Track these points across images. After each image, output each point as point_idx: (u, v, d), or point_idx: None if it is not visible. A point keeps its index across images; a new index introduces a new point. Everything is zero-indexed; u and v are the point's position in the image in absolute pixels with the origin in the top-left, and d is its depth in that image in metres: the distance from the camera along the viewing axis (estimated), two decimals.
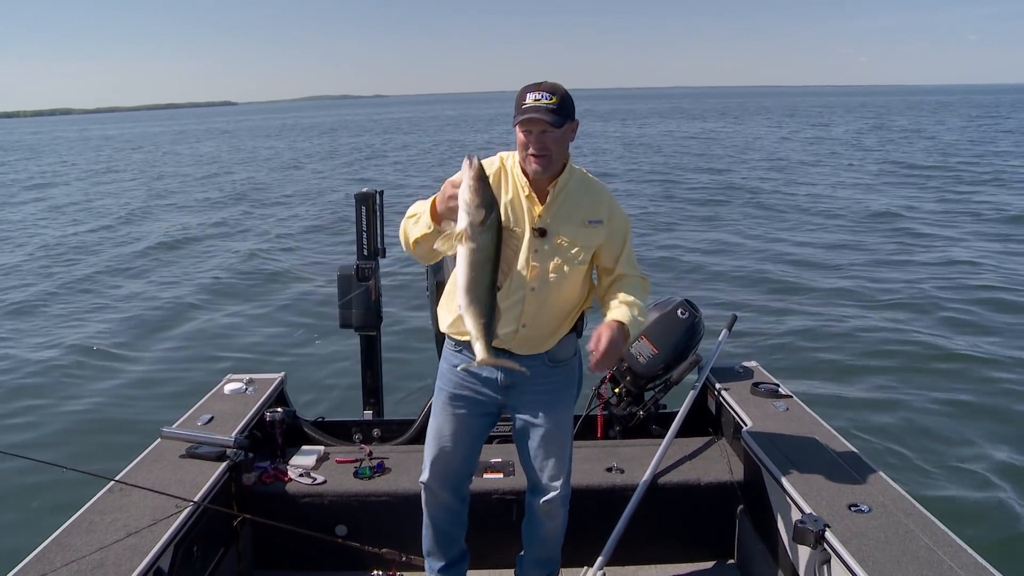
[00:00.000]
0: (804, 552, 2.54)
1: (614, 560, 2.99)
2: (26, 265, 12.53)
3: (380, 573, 3.15)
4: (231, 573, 3.04)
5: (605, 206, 2.53)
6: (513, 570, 3.02)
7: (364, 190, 3.82)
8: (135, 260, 12.60)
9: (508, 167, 2.51)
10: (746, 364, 3.91)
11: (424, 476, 2.75)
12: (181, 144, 50.98)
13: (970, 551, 2.29)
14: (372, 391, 4.03)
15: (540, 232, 2.45)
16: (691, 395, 3.56)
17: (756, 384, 3.61)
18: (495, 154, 2.58)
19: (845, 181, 20.56)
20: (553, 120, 2.32)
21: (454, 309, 2.47)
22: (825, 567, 2.38)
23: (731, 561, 3.29)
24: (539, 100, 2.33)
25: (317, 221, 16.05)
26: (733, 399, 3.49)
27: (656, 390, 3.71)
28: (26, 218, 18.24)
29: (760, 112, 73.40)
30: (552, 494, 2.70)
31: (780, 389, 3.58)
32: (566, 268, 2.47)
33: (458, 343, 2.63)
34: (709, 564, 3.28)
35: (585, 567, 2.95)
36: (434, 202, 2.29)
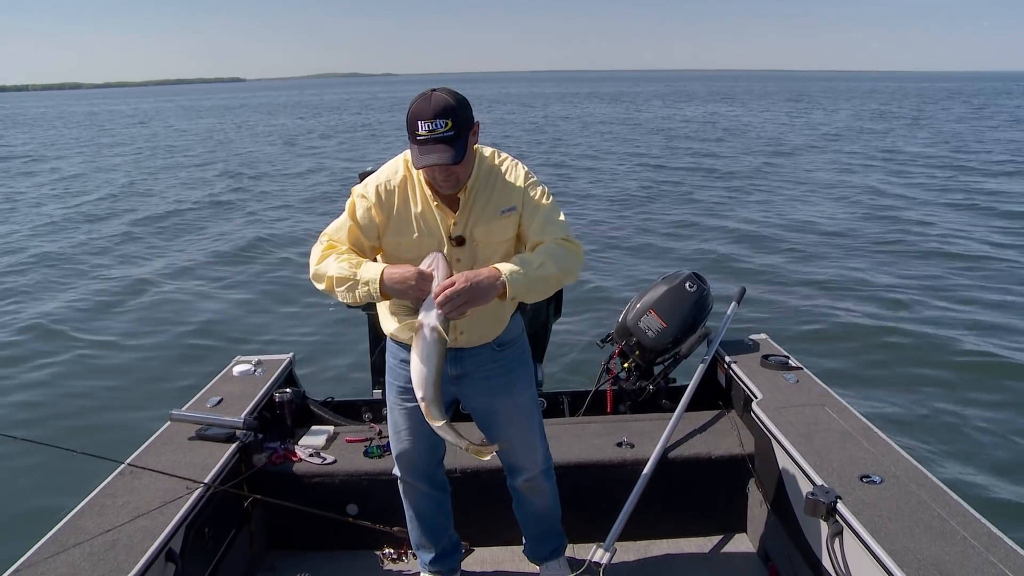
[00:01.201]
0: (816, 524, 2.53)
1: (625, 535, 2.98)
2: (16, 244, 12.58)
3: (392, 551, 3.17)
4: (243, 554, 3.06)
5: (518, 189, 2.35)
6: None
7: (368, 168, 3.78)
8: (135, 241, 12.60)
9: (414, 175, 2.34)
10: (755, 337, 3.87)
11: (395, 470, 2.76)
12: (184, 120, 51.14)
13: (983, 520, 2.27)
14: (380, 370, 4.01)
15: (458, 240, 2.33)
16: (701, 368, 3.54)
17: (766, 356, 3.58)
18: (399, 155, 2.41)
19: (849, 163, 20.46)
20: (454, 157, 2.12)
21: (393, 316, 2.48)
22: (837, 539, 2.37)
23: (743, 535, 3.28)
24: (433, 131, 2.10)
25: (323, 199, 16.03)
26: (743, 372, 3.46)
27: (665, 364, 3.69)
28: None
29: (764, 96, 72.85)
30: (531, 471, 2.69)
31: (790, 361, 3.55)
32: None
33: (400, 344, 2.55)
34: (720, 537, 3.28)
35: (596, 543, 2.95)
36: (382, 276, 2.19)
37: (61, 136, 40.25)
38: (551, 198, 2.40)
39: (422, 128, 2.12)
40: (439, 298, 2.11)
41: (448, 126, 2.11)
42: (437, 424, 2.22)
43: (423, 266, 2.20)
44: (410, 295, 2.20)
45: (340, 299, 2.28)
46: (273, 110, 65.18)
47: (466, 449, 2.24)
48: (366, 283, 2.21)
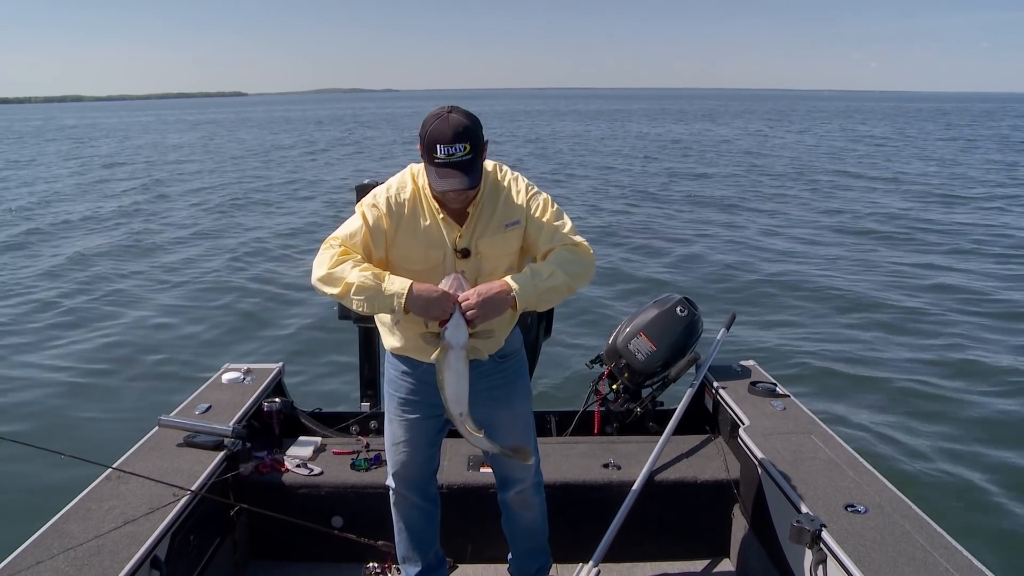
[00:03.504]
0: (800, 552, 2.54)
1: (609, 557, 2.99)
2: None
3: (375, 565, 3.15)
4: (227, 562, 3.04)
5: (521, 203, 2.39)
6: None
7: (365, 182, 3.79)
8: (129, 251, 12.57)
9: (421, 187, 2.37)
10: (744, 363, 3.90)
11: (389, 480, 2.76)
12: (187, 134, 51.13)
13: (965, 553, 2.30)
14: (370, 383, 4.02)
15: (463, 253, 2.36)
16: (689, 393, 3.56)
17: (754, 383, 3.61)
18: (404, 168, 2.44)
19: (840, 185, 20.63)
20: (471, 182, 2.17)
21: (395, 333, 2.52)
22: (821, 567, 2.38)
23: (726, 560, 3.29)
24: (452, 155, 2.13)
25: (315, 211, 16.03)
26: (731, 397, 3.49)
27: (654, 387, 3.71)
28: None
29: (746, 114, 73.50)
30: (524, 483, 2.70)
31: (778, 388, 3.58)
32: (494, 278, 2.35)
33: (401, 358, 2.58)
34: (705, 562, 3.28)
35: (580, 564, 2.95)
36: (410, 291, 2.21)
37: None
38: (555, 206, 2.44)
39: (441, 152, 2.14)
40: (468, 311, 2.20)
41: (466, 150, 2.15)
42: (477, 436, 2.35)
43: (443, 286, 2.24)
44: (433, 313, 2.23)
45: (354, 307, 2.26)
46: (270, 123, 65.35)
47: (501, 454, 2.43)
48: (391, 295, 2.21)
